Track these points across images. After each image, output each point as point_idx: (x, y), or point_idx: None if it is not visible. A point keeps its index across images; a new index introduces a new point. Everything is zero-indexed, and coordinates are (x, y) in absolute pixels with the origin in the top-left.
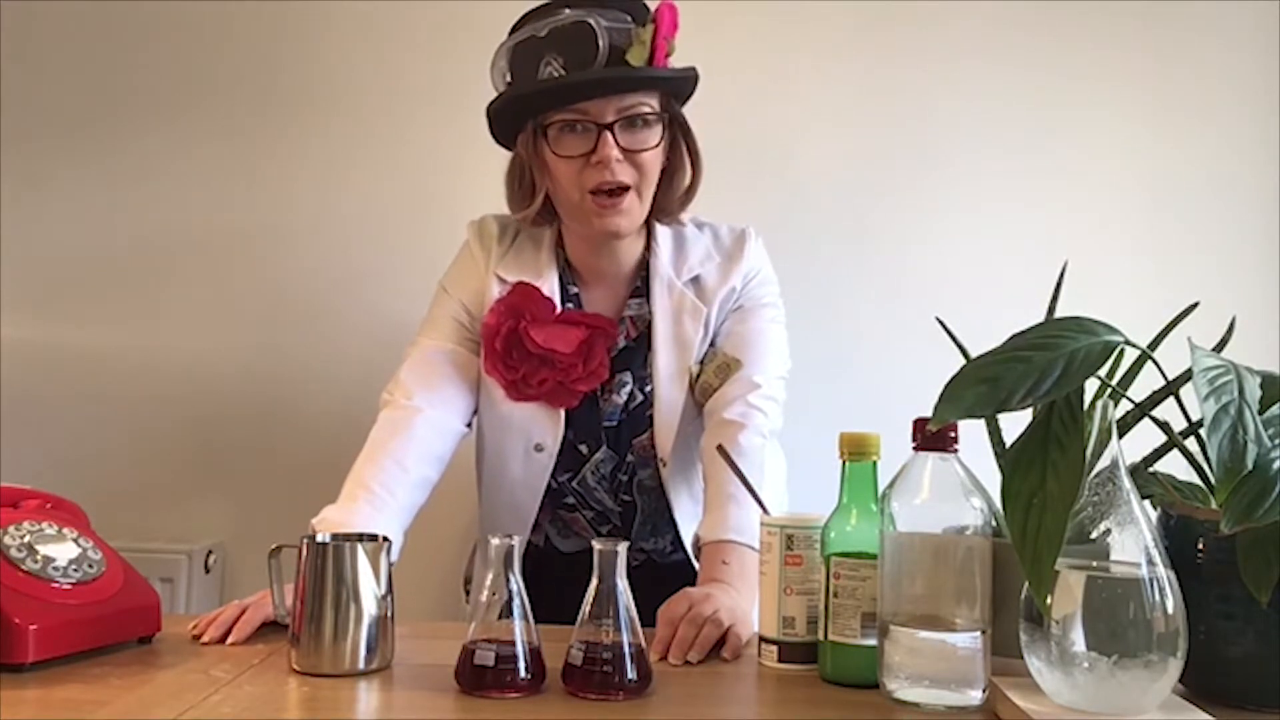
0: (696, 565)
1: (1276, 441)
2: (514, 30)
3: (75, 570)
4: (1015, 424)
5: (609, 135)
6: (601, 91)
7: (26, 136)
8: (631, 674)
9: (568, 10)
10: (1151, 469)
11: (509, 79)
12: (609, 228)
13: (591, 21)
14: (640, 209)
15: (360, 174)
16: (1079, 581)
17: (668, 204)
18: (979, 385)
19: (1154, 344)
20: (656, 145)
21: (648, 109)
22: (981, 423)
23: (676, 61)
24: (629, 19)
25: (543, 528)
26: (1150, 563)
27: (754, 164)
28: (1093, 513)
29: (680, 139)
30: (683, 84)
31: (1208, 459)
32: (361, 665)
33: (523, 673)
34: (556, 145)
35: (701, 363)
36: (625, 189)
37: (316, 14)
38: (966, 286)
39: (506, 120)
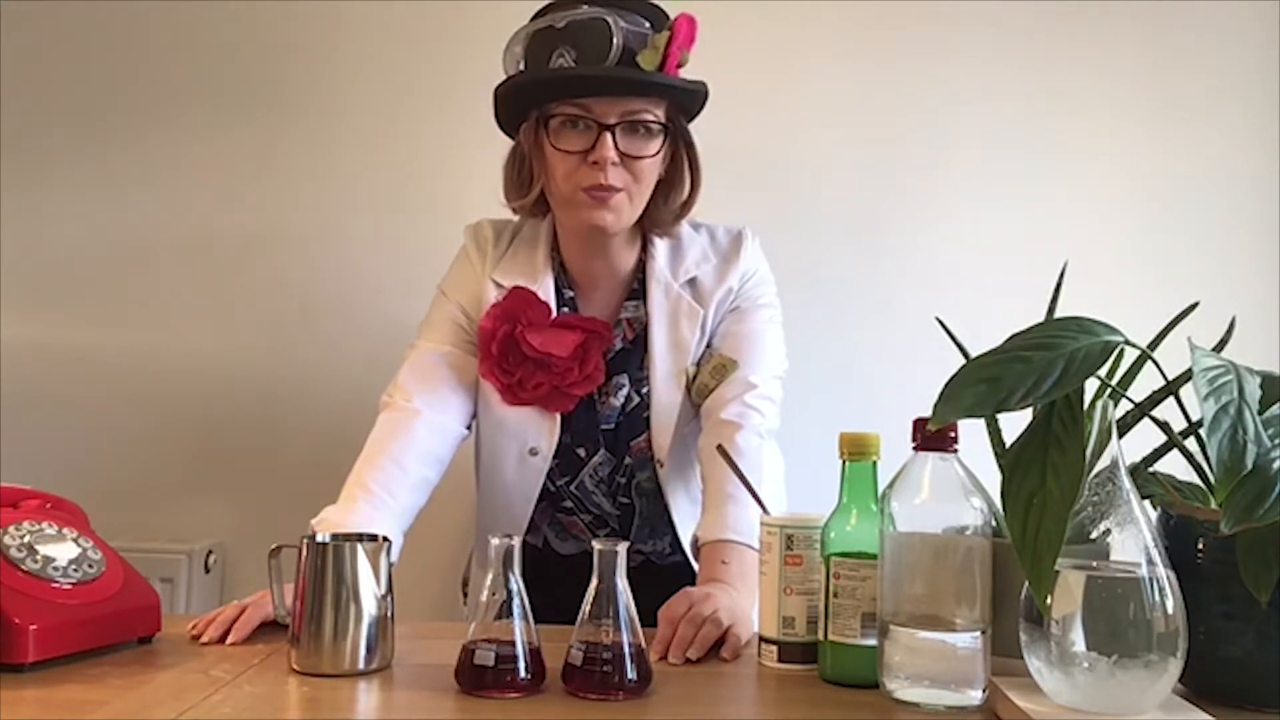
0: (695, 566)
1: (1276, 441)
2: (533, 19)
3: (75, 570)
4: (1015, 424)
5: (608, 136)
6: (607, 90)
7: (26, 136)
8: (631, 674)
9: (586, 7)
10: (1151, 469)
11: (522, 65)
12: (595, 221)
13: (609, 19)
14: (630, 211)
15: (361, 175)
16: (1079, 581)
17: (663, 217)
18: (979, 385)
19: (1154, 344)
20: (655, 155)
21: (651, 117)
22: (981, 423)
23: (688, 72)
24: (647, 25)
25: (541, 530)
26: (1150, 563)
27: (754, 164)
28: (1093, 513)
29: (682, 152)
30: (691, 97)
31: (1208, 459)
32: (361, 665)
33: (523, 673)
34: (556, 139)
35: (698, 364)
36: (616, 190)
37: (320, 14)
38: (966, 286)
39: (511, 106)
